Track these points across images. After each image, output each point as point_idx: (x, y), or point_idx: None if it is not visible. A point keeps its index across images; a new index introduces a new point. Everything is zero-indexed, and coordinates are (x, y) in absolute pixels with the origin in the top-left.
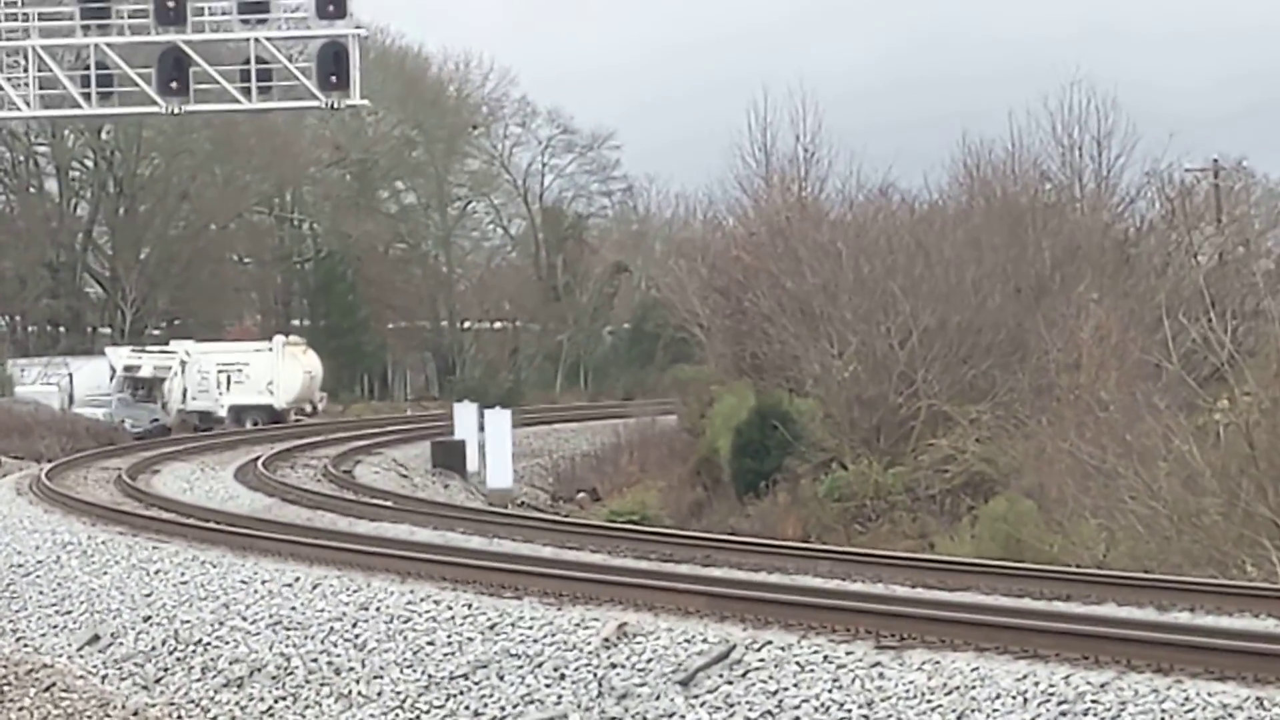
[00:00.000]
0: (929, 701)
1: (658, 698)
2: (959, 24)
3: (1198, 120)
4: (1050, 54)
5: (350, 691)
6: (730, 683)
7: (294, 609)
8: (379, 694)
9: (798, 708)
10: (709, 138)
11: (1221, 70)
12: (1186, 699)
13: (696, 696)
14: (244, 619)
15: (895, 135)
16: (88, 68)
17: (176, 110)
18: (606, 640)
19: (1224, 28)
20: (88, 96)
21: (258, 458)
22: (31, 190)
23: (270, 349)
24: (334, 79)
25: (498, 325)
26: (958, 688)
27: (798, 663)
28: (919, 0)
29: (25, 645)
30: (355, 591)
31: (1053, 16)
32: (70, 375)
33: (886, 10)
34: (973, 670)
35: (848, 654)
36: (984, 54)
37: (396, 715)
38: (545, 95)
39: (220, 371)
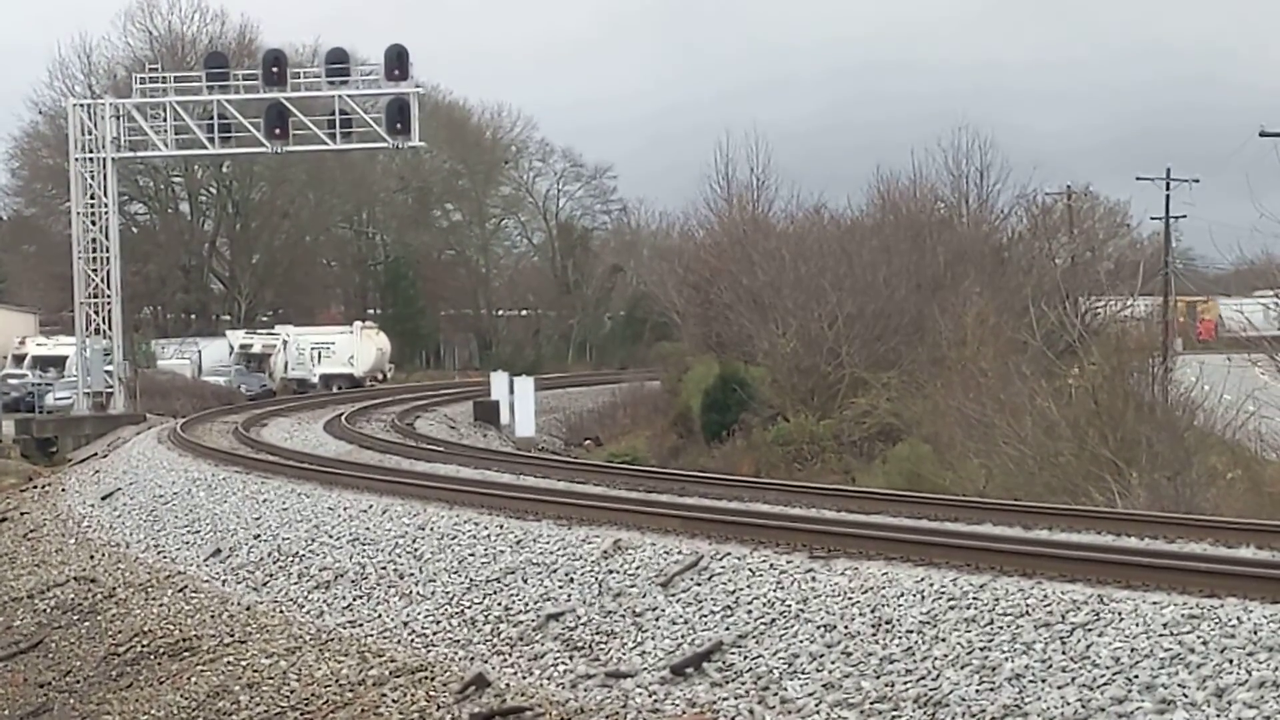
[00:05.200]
0: (849, 598)
1: (644, 596)
2: (879, 80)
3: (1061, 151)
4: (950, 103)
5: (411, 592)
6: (699, 584)
7: (368, 529)
8: (433, 593)
9: (750, 603)
10: (686, 167)
11: (1077, 117)
12: (1045, 596)
13: (674, 595)
14: (330, 536)
15: (825, 167)
16: (212, 118)
17: (279, 150)
18: (605, 552)
19: (1081, 85)
20: (212, 140)
21: (341, 414)
22: (169, 211)
23: (351, 331)
24: (399, 126)
25: (523, 312)
26: (872, 588)
27: (750, 569)
28: (849, 62)
29: (164, 556)
30: (415, 515)
31: (952, 75)
32: (199, 351)
33: (823, 71)
34: (883, 574)
35: (788, 562)
36: (897, 104)
37: (446, 609)
38: (561, 135)
39: (313, 348)
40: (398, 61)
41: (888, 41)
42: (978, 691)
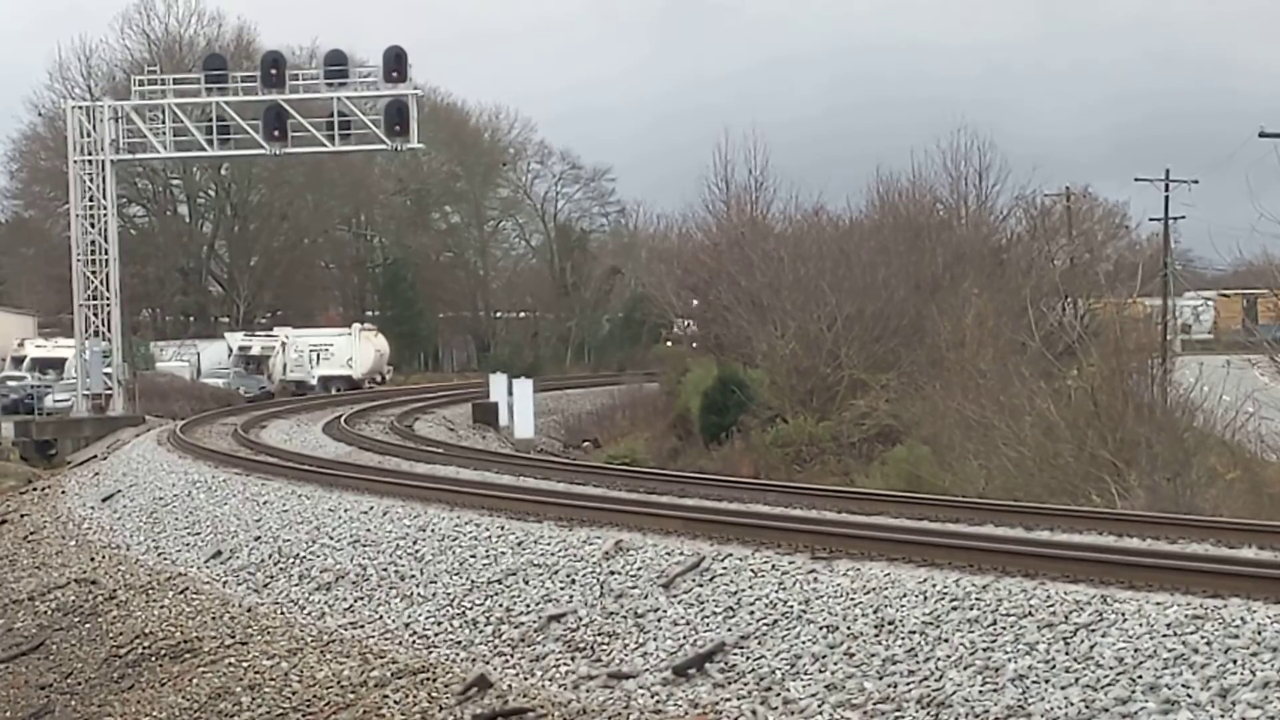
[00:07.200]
0: (851, 599)
1: (645, 597)
2: (879, 68)
3: (1062, 141)
4: (956, 92)
5: (412, 593)
6: (701, 585)
7: (368, 530)
8: (434, 594)
9: (752, 604)
10: (685, 154)
11: (1082, 103)
12: (1048, 597)
13: (675, 596)
14: (330, 538)
15: (825, 153)
16: (210, 120)
17: (278, 152)
18: (607, 553)
19: (1086, 74)
20: (210, 141)
21: (340, 416)
22: (168, 213)
23: (349, 333)
24: (397, 128)
25: (522, 314)
26: (874, 589)
27: (752, 570)
28: (849, 54)
29: (165, 558)
30: (415, 517)
31: (957, 63)
32: (198, 353)
33: (822, 65)
34: (885, 575)
35: (790, 563)
36: (898, 90)
37: (447, 611)
38: (559, 136)
39: (312, 350)
40: (396, 63)
41: (890, 27)
42: (981, 692)
